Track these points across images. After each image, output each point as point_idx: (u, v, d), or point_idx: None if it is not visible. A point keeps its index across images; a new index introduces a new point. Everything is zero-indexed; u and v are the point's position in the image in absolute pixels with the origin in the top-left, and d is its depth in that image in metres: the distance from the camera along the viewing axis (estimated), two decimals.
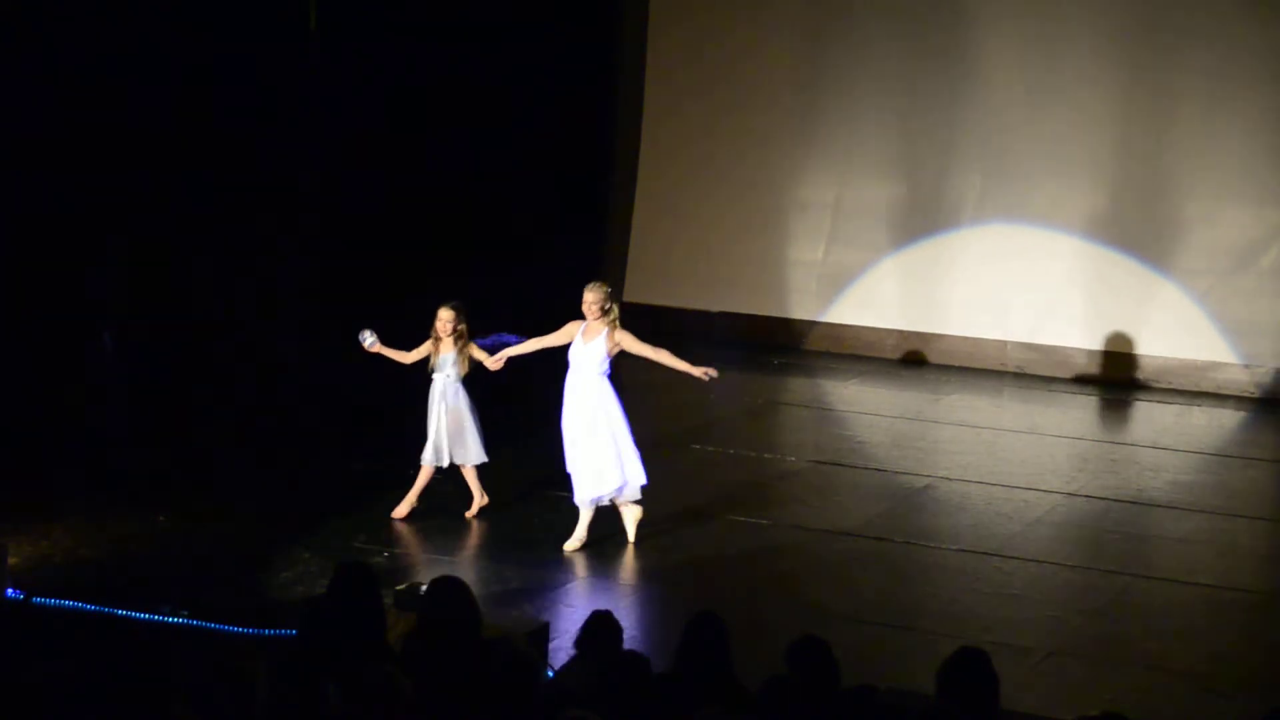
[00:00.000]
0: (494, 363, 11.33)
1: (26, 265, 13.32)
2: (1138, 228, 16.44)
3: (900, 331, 17.20)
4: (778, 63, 17.42)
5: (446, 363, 11.43)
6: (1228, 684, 9.47)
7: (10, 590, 9.56)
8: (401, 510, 11.51)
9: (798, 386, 16.15)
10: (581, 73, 17.64)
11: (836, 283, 17.41)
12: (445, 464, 11.52)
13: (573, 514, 11.83)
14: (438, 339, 11.43)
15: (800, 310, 17.56)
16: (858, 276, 17.32)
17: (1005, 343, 16.84)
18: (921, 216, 17.12)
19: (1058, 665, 9.63)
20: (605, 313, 10.99)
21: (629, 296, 18.13)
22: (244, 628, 9.43)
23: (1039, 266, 16.74)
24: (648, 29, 17.91)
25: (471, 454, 11.51)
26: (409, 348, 11.46)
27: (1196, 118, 16.16)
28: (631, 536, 11.29)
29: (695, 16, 17.73)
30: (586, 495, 11.14)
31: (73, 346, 13.58)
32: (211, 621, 9.50)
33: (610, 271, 18.12)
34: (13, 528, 10.75)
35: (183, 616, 9.58)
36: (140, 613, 9.54)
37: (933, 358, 17.04)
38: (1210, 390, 16.14)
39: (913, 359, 17.04)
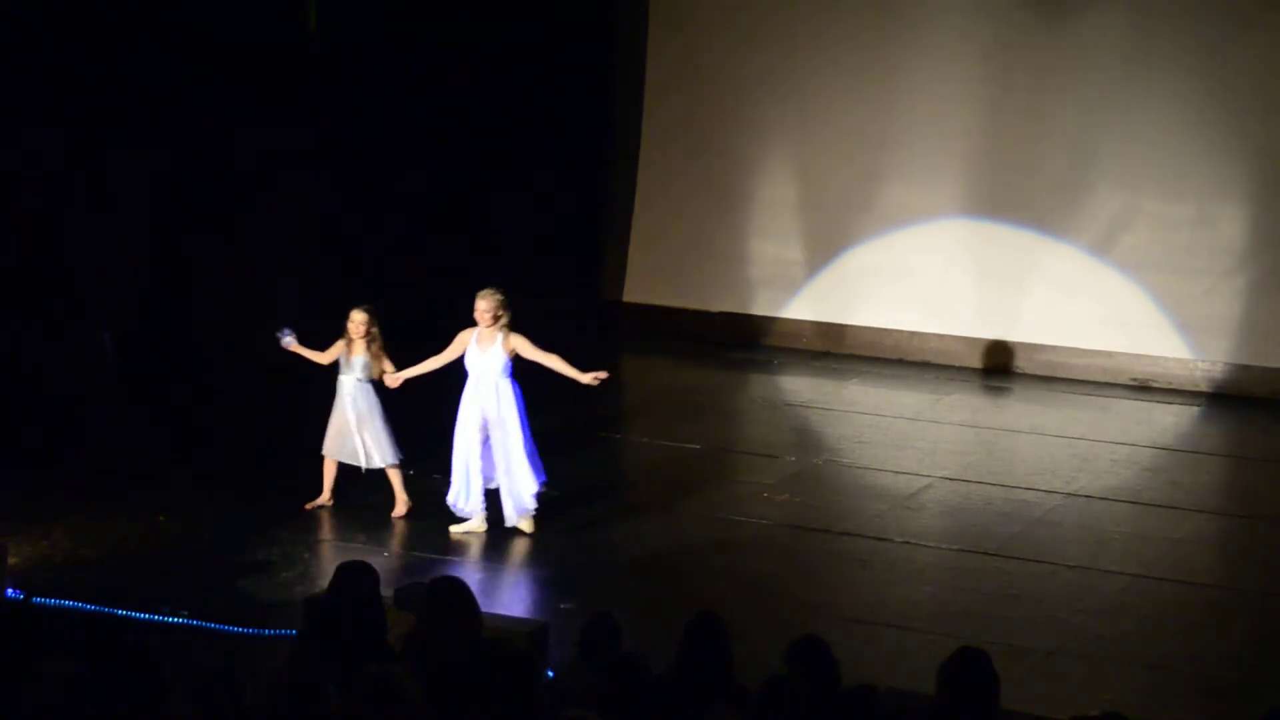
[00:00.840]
0: (392, 380, 11.38)
1: (25, 265, 13.32)
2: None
3: (901, 332, 17.17)
4: (778, 62, 17.40)
5: (356, 365, 11.46)
6: (1228, 684, 9.47)
7: (10, 590, 9.57)
8: (319, 502, 11.67)
9: (797, 386, 16.14)
10: (581, 73, 17.64)
11: (837, 282, 17.39)
12: (367, 466, 11.57)
13: (571, 515, 11.87)
14: (350, 340, 11.44)
15: (801, 310, 17.54)
16: (858, 275, 17.30)
17: (1009, 344, 16.83)
18: (921, 212, 17.10)
19: (1058, 665, 9.63)
20: (497, 319, 11.06)
21: (629, 296, 18.13)
22: (244, 628, 9.44)
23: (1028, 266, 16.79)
24: (647, 29, 17.90)
25: (389, 454, 11.54)
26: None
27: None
28: (513, 522, 11.36)
29: (694, 17, 17.71)
30: (518, 508, 11.24)
31: (73, 346, 13.57)
32: (211, 621, 9.51)
33: (610, 271, 18.14)
34: (13, 528, 10.75)
35: (183, 616, 9.59)
36: (140, 613, 9.55)
37: (935, 359, 17.01)
38: (1207, 389, 16.13)
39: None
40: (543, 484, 11.32)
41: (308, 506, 11.65)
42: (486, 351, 11.12)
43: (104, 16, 13.64)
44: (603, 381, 11.20)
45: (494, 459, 11.25)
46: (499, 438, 11.20)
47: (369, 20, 16.05)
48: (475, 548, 11.20)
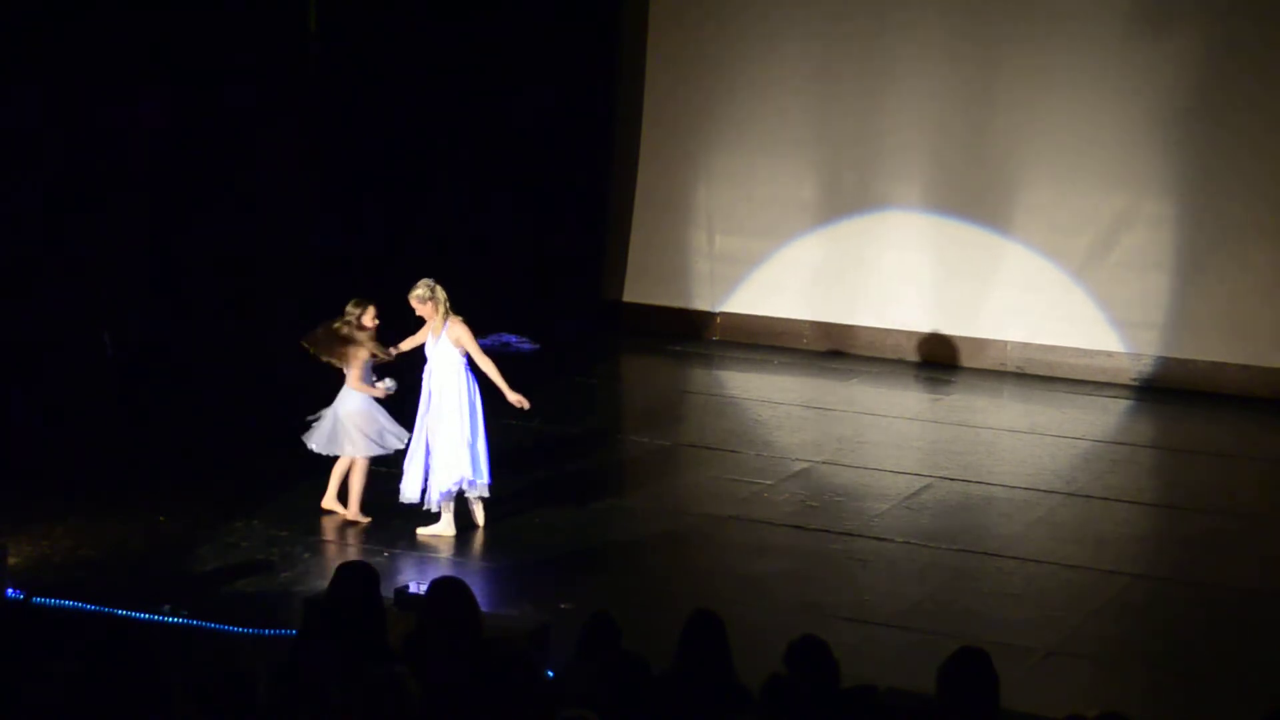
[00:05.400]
0: (395, 350, 11.38)
1: (25, 264, 13.32)
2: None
3: (905, 332, 17.18)
4: (779, 62, 17.40)
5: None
6: (1228, 684, 9.47)
7: (10, 590, 9.57)
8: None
9: (798, 385, 16.14)
10: (582, 73, 17.63)
11: (837, 283, 17.40)
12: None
13: (572, 515, 11.86)
14: (371, 337, 11.38)
15: (802, 311, 17.54)
16: (858, 276, 17.31)
17: (1005, 342, 16.86)
18: (921, 212, 17.12)
19: (1058, 665, 9.64)
20: (438, 309, 11.07)
21: (629, 296, 18.13)
22: (244, 628, 9.44)
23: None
24: (648, 29, 17.90)
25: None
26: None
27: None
28: (480, 522, 11.37)
29: (695, 16, 17.71)
30: (439, 492, 11.16)
31: (73, 346, 13.57)
32: (211, 621, 9.51)
33: (610, 271, 18.14)
34: (13, 528, 10.75)
35: (183, 616, 9.59)
36: (140, 613, 9.55)
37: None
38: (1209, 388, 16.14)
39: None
40: (472, 484, 11.19)
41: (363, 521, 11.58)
42: (438, 341, 11.15)
43: (105, 17, 13.63)
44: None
45: (454, 441, 11.12)
46: (433, 422, 11.15)
47: (369, 21, 16.04)
48: (475, 548, 11.19)
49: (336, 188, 15.81)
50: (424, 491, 11.22)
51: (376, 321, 11.36)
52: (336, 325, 11.28)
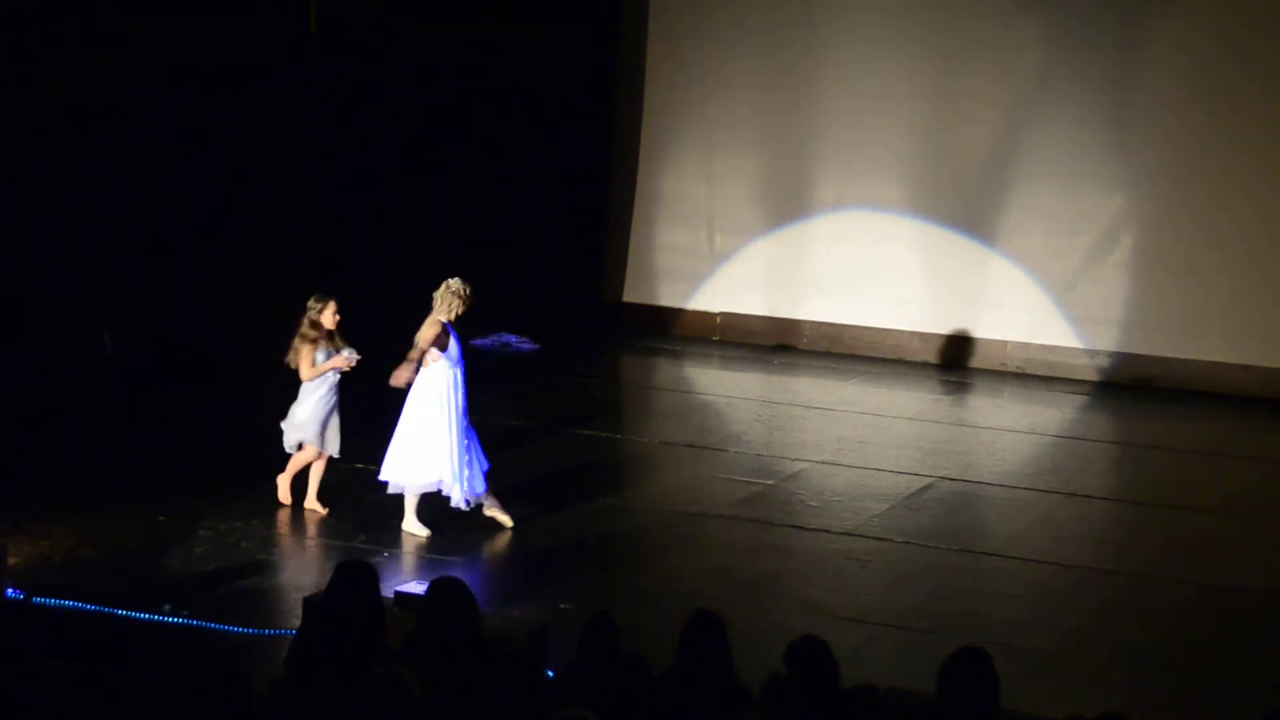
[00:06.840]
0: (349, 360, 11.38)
1: (25, 266, 13.32)
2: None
3: (905, 332, 17.20)
4: (779, 63, 17.41)
5: (332, 356, 11.46)
6: (1228, 684, 9.48)
7: (10, 590, 9.56)
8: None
9: (798, 386, 16.16)
10: (583, 74, 17.64)
11: (838, 283, 17.41)
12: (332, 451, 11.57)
13: (572, 515, 11.85)
14: (326, 332, 11.35)
15: (800, 310, 17.55)
16: (859, 276, 17.32)
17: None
18: (923, 213, 17.14)
19: (1058, 665, 9.64)
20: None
21: (629, 296, 18.15)
22: (244, 628, 9.45)
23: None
24: (647, 30, 17.91)
25: (337, 445, 11.60)
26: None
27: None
28: (470, 502, 11.36)
29: (694, 17, 17.72)
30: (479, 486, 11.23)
31: (73, 346, 13.57)
32: (211, 621, 9.51)
33: (610, 271, 18.14)
34: (12, 528, 10.75)
35: (183, 616, 9.59)
36: (140, 613, 9.55)
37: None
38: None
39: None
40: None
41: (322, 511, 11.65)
42: (455, 339, 11.16)
43: (105, 18, 13.63)
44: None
45: (465, 442, 11.15)
46: (466, 423, 11.18)
47: (369, 21, 16.04)
48: (476, 548, 11.19)
49: (336, 188, 15.81)
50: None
51: (337, 318, 11.33)
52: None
